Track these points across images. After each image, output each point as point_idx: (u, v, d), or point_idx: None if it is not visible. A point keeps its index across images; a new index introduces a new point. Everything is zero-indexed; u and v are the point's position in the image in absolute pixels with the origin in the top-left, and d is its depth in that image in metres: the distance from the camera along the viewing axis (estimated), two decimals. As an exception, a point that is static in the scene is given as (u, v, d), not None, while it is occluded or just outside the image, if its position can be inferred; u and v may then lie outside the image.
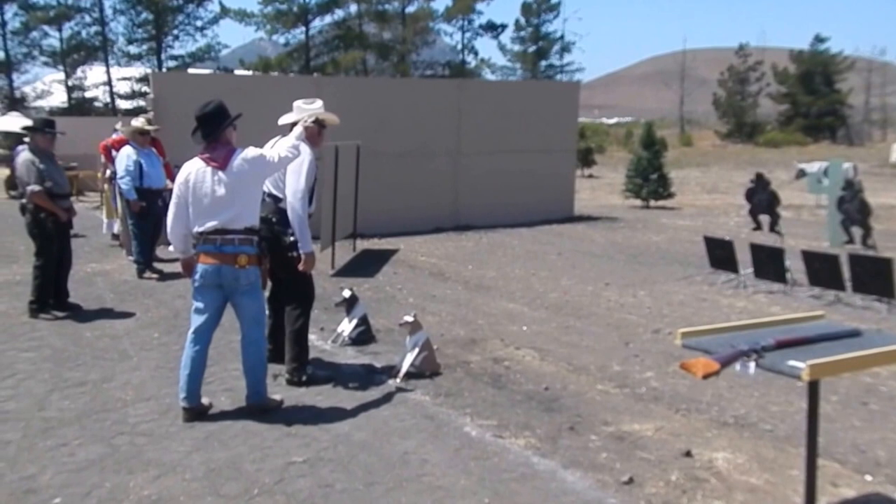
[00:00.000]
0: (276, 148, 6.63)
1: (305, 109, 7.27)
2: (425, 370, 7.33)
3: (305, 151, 7.01)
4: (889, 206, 21.42)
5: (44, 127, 9.80)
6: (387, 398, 6.77)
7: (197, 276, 6.20)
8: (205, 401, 6.41)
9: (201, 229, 6.14)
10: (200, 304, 6.27)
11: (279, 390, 6.90)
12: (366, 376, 7.39)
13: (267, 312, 7.61)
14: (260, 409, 6.34)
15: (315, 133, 7.27)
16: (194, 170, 6.21)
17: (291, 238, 6.98)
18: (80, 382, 7.20)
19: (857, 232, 14.85)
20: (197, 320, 6.30)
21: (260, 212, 6.97)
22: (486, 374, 7.53)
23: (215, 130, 6.21)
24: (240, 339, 6.45)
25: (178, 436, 5.93)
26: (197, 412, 6.25)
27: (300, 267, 6.95)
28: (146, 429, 6.07)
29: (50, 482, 5.15)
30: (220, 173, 6.09)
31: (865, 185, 15.51)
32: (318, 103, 7.36)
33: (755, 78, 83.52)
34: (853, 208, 14.70)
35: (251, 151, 6.23)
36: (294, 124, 7.22)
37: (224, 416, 6.34)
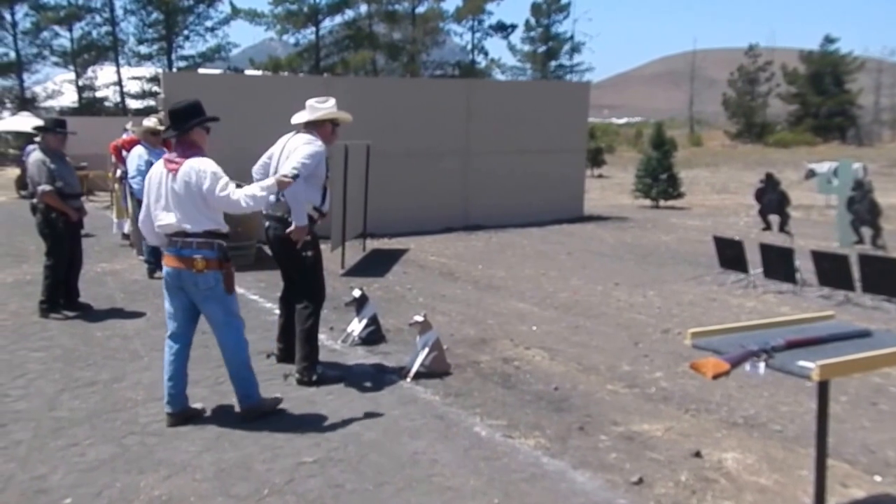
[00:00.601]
0: (249, 188, 6.23)
1: (318, 108, 7.25)
2: (435, 370, 7.33)
3: (317, 146, 7.05)
4: (899, 207, 21.37)
5: (55, 127, 9.84)
6: (397, 398, 6.78)
7: (163, 279, 6.17)
8: (197, 405, 6.37)
9: (158, 230, 6.11)
10: (170, 308, 6.19)
11: (289, 390, 6.91)
12: (376, 376, 7.40)
13: (278, 311, 7.67)
14: (256, 412, 6.24)
15: (328, 132, 7.29)
16: (156, 170, 6.18)
17: (307, 237, 7.03)
18: (90, 382, 7.23)
19: (866, 232, 14.83)
20: (170, 325, 6.23)
21: (275, 211, 7.01)
22: (496, 373, 7.53)
23: (180, 128, 6.09)
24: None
25: (189, 436, 5.95)
26: (181, 417, 6.19)
27: (291, 234, 6.92)
28: (157, 429, 6.09)
29: (61, 482, 5.18)
30: (171, 177, 5.99)
31: (875, 186, 15.49)
32: (331, 102, 7.33)
33: (765, 78, 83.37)
34: (863, 208, 14.68)
35: (204, 165, 5.98)
36: (308, 123, 7.23)
37: (234, 416, 6.34)
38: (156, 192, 6.10)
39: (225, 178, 6.01)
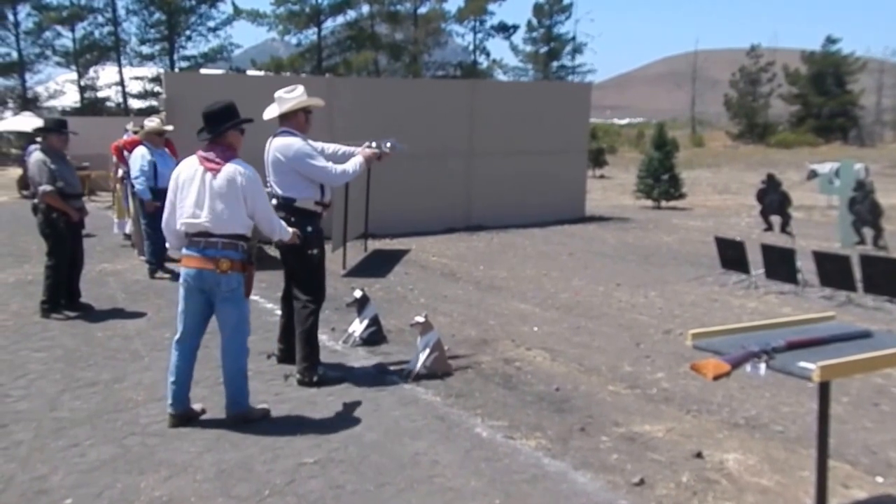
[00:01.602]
0: (275, 215, 6.47)
1: (287, 99, 7.17)
2: (436, 371, 7.33)
3: (296, 141, 7.10)
4: (901, 207, 21.36)
5: (58, 127, 9.83)
6: (398, 399, 6.78)
7: (181, 280, 6.13)
8: (197, 406, 6.34)
9: (181, 228, 6.08)
10: (185, 310, 6.16)
11: (290, 390, 6.93)
12: (377, 377, 7.41)
13: (279, 312, 7.66)
14: (241, 419, 6.19)
15: (302, 121, 7.25)
16: (186, 167, 6.14)
17: (311, 234, 7.05)
18: (91, 382, 7.24)
19: (868, 233, 14.81)
20: (181, 327, 6.20)
21: (278, 212, 6.98)
22: (498, 374, 7.53)
23: (216, 129, 6.08)
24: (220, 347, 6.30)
25: (190, 436, 5.95)
26: (184, 418, 6.18)
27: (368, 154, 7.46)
28: (157, 429, 6.09)
29: (61, 483, 5.18)
30: (210, 176, 5.97)
31: (877, 186, 15.46)
32: (299, 90, 7.26)
33: (767, 79, 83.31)
34: (864, 209, 14.65)
35: (250, 171, 6.05)
36: (280, 116, 7.20)
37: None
38: (183, 190, 6.07)
39: (263, 191, 6.22)
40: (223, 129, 6.10)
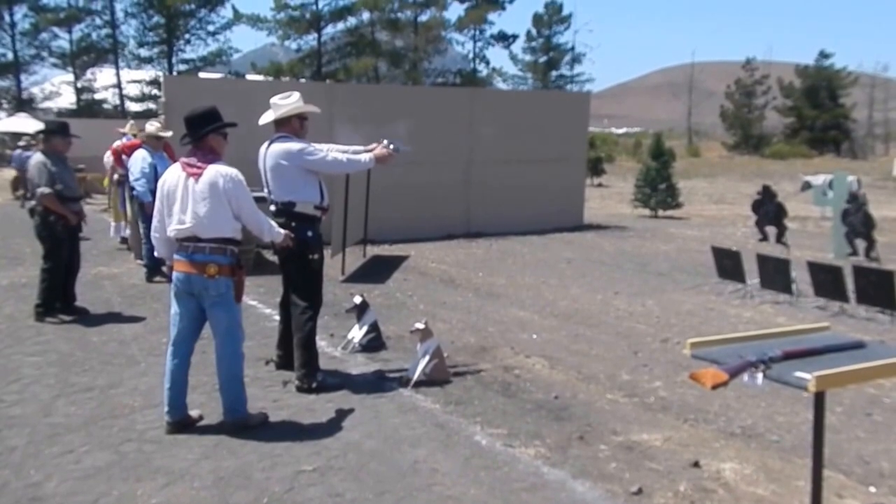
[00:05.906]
0: (262, 216, 6.44)
1: (281, 105, 7.18)
2: (436, 378, 7.32)
3: (299, 143, 7.13)
4: (892, 219, 21.30)
5: (62, 130, 9.81)
6: (397, 406, 6.78)
7: (171, 284, 6.14)
8: (194, 413, 6.32)
9: (171, 235, 6.08)
10: (176, 314, 6.16)
11: (288, 397, 6.92)
12: (376, 384, 7.40)
13: (278, 318, 7.66)
14: (240, 426, 6.17)
15: (297, 127, 7.25)
16: (171, 175, 6.15)
17: (311, 238, 7.08)
18: (86, 388, 7.21)
19: (860, 244, 14.85)
20: (174, 331, 6.19)
21: (278, 217, 6.99)
22: (497, 382, 7.53)
23: (196, 134, 6.07)
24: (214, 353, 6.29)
25: (187, 443, 5.93)
26: (181, 424, 6.16)
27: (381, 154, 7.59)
28: (154, 436, 6.07)
29: (56, 490, 5.15)
30: (193, 181, 5.96)
31: (869, 198, 15.53)
32: (294, 97, 7.25)
33: (761, 91, 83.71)
34: (857, 221, 14.70)
35: (233, 172, 6.05)
36: (276, 122, 7.21)
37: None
38: (171, 196, 6.07)
39: (248, 194, 6.16)
40: (203, 133, 6.09)
